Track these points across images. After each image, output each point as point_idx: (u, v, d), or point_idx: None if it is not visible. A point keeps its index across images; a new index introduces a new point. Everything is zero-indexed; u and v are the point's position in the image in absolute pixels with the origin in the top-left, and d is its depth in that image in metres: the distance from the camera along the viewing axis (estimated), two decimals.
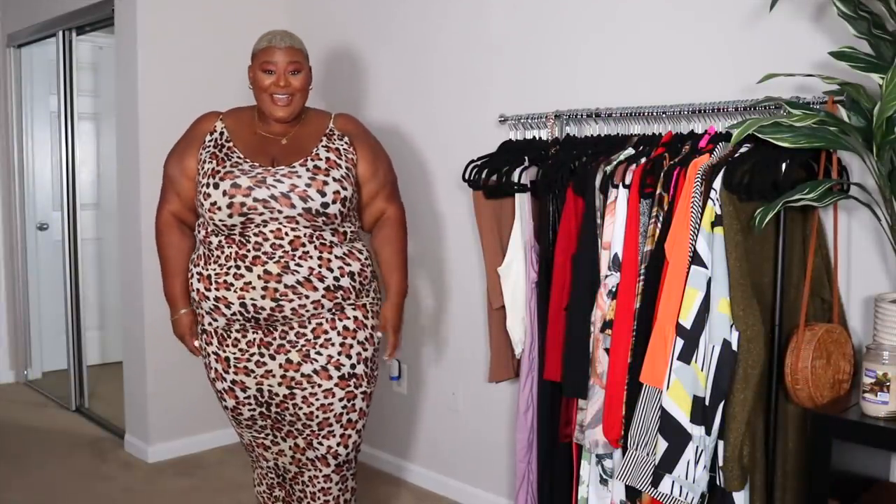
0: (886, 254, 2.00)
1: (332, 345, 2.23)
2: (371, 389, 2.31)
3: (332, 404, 2.23)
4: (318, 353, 2.22)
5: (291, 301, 2.17)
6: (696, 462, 1.92)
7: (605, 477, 2.24)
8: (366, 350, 2.28)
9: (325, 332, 2.22)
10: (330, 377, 2.22)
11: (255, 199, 2.12)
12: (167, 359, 3.52)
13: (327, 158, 2.22)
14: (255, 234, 2.14)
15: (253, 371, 2.25)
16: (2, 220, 4.76)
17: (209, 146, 2.24)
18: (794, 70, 2.00)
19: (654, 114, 2.29)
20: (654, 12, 2.42)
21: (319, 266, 2.18)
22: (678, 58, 2.37)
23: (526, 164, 2.44)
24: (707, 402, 1.92)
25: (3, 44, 4.65)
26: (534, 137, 2.61)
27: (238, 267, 2.16)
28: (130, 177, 3.53)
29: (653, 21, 2.42)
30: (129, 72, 3.45)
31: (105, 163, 4.90)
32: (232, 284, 2.16)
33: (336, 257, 2.21)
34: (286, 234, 2.15)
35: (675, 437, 1.92)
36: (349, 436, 2.27)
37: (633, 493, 2.14)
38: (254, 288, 2.15)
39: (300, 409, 2.24)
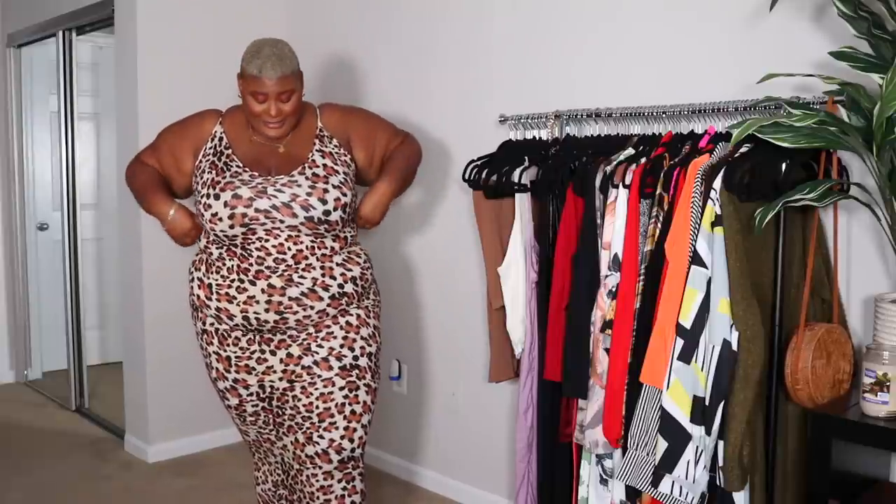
0: (886, 254, 2.00)
1: (335, 338, 2.23)
2: (375, 385, 2.30)
3: (332, 394, 2.21)
4: (320, 346, 2.22)
5: (296, 313, 2.16)
6: (696, 462, 1.92)
7: (605, 477, 2.24)
8: (369, 346, 2.28)
9: (328, 326, 2.23)
10: (330, 367, 2.21)
11: (257, 210, 2.12)
12: (167, 359, 3.52)
13: (324, 165, 2.21)
14: (258, 249, 2.13)
15: (254, 369, 2.25)
16: (2, 220, 4.76)
17: (209, 154, 2.24)
18: (794, 70, 2.00)
19: (654, 114, 2.29)
20: (653, 12, 2.42)
21: (323, 275, 2.18)
22: (678, 58, 2.37)
23: (526, 164, 2.44)
24: (707, 402, 1.92)
25: (3, 44, 4.65)
26: (534, 137, 2.60)
27: (241, 280, 2.15)
28: None
29: (652, 21, 2.42)
30: (129, 72, 3.45)
31: (105, 163, 4.90)
32: (234, 297, 2.16)
33: (337, 264, 2.21)
34: (289, 248, 2.14)
35: (675, 437, 1.92)
36: (353, 429, 2.22)
37: (633, 493, 2.14)
38: (257, 302, 2.15)
39: (299, 400, 2.23)
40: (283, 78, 2.13)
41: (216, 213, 2.13)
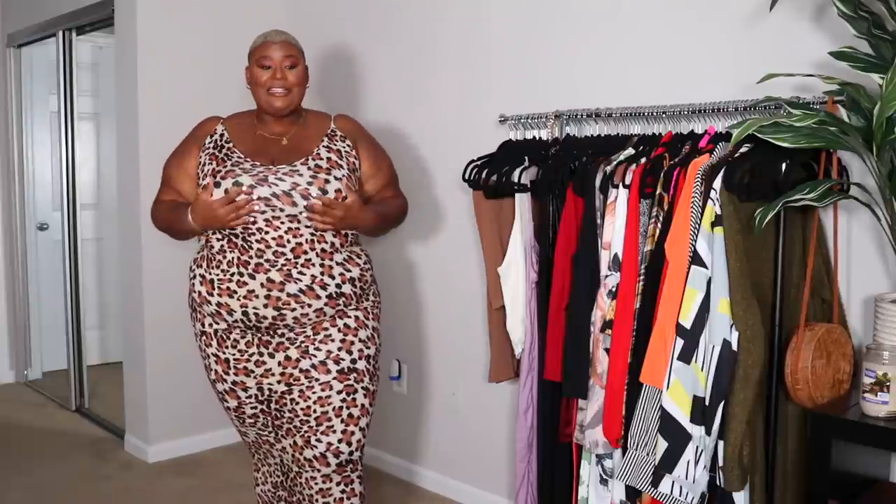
0: (886, 254, 2.00)
1: (332, 341, 2.23)
2: (374, 387, 2.30)
3: (329, 398, 2.21)
4: (318, 349, 2.22)
5: (294, 310, 2.17)
6: (696, 462, 1.92)
7: (605, 477, 2.24)
8: (368, 348, 2.28)
9: (326, 329, 2.22)
10: (328, 371, 2.21)
11: (258, 198, 2.13)
12: (167, 359, 3.52)
13: (328, 158, 2.23)
14: (258, 241, 2.14)
15: (252, 371, 2.25)
16: (2, 220, 4.76)
17: (209, 147, 2.26)
18: (794, 70, 2.00)
19: (654, 114, 2.29)
20: (654, 12, 2.42)
21: (321, 273, 2.18)
22: (678, 58, 2.37)
23: (526, 164, 2.44)
24: (707, 402, 1.92)
25: (3, 44, 4.65)
26: (534, 137, 2.60)
27: (241, 274, 2.15)
28: (130, 177, 3.53)
29: (653, 21, 2.42)
30: (129, 72, 3.45)
31: (105, 163, 4.90)
32: (235, 292, 2.16)
33: (337, 263, 2.21)
34: (288, 241, 2.14)
35: (675, 437, 1.92)
36: (351, 432, 2.23)
37: (633, 493, 2.14)
38: (257, 297, 2.15)
39: (297, 404, 2.23)
40: (288, 44, 2.26)
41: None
